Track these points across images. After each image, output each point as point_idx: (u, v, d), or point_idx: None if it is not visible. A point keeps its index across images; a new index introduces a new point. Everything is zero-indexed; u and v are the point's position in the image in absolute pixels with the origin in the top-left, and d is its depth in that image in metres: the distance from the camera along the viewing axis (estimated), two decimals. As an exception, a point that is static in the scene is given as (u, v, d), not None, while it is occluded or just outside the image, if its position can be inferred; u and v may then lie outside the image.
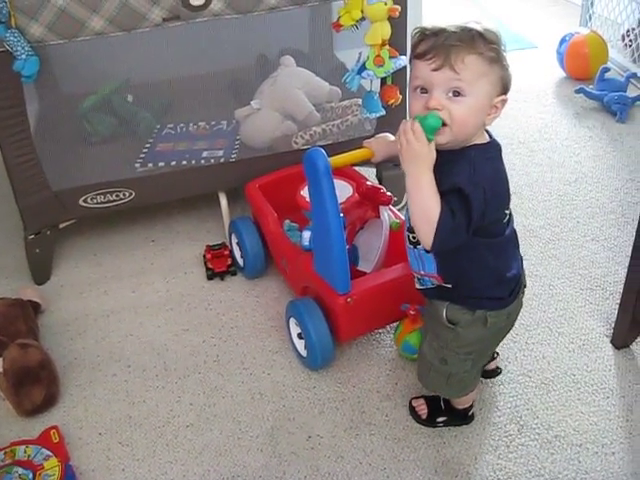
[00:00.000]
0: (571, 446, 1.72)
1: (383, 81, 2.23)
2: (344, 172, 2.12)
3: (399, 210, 2.13)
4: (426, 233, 1.36)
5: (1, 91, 2.02)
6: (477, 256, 1.46)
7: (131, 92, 2.57)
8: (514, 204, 2.55)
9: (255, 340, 2.06)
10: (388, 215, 2.00)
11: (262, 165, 2.33)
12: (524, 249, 2.30)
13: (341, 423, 1.79)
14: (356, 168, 2.24)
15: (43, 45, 2.00)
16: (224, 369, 1.97)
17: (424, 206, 1.36)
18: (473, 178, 1.34)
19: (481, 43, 1.33)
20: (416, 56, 1.38)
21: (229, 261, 2.30)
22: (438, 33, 1.35)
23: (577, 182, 2.72)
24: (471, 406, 1.77)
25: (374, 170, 2.50)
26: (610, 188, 2.68)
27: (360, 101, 2.36)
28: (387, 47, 2.12)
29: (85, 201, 2.27)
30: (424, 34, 1.37)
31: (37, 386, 1.85)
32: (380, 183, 2.42)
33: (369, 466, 1.70)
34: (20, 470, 1.68)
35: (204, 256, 2.34)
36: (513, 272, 1.54)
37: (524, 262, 2.23)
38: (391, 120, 2.28)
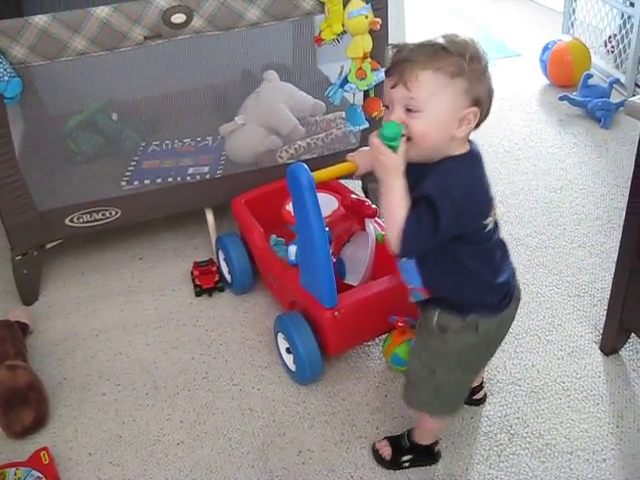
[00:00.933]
0: (562, 454, 1.72)
1: (366, 94, 2.25)
2: (329, 185, 2.13)
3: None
4: (393, 237, 1.37)
5: (-16, 114, 2.03)
6: (460, 263, 1.45)
7: (116, 110, 2.57)
8: (500, 212, 2.57)
9: (244, 355, 2.06)
10: (374, 227, 2.00)
11: (248, 180, 2.34)
12: (511, 258, 2.33)
13: (332, 437, 1.79)
14: (342, 181, 2.24)
15: (26, 66, 2.00)
16: (214, 386, 1.97)
17: (392, 211, 1.37)
18: (442, 187, 1.34)
19: (442, 58, 1.33)
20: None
21: (217, 277, 2.30)
22: (401, 49, 1.36)
23: (563, 189, 2.74)
24: (436, 442, 1.74)
25: (360, 182, 2.51)
26: (596, 194, 2.69)
27: (344, 114, 2.37)
28: (369, 60, 2.14)
29: (71, 220, 2.26)
30: (393, 50, 1.38)
31: (26, 408, 1.85)
32: (366, 195, 2.43)
33: (360, 479, 1.70)
34: (10, 493, 1.68)
35: (192, 273, 2.34)
36: (502, 280, 1.52)
37: (511, 271, 2.25)
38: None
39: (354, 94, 2.21)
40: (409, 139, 1.36)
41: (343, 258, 2.01)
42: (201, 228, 2.51)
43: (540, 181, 2.79)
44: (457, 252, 1.43)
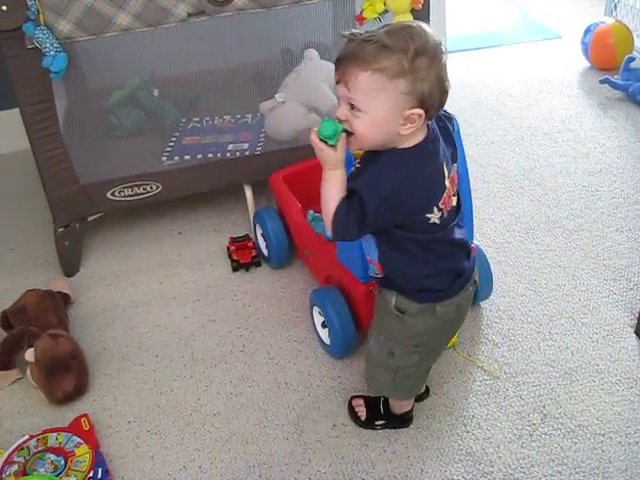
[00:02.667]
0: (594, 435, 1.73)
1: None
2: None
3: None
4: (326, 223, 1.43)
5: (30, 87, 2.06)
6: (403, 247, 1.45)
7: (157, 86, 2.59)
8: (538, 194, 2.57)
9: (281, 330, 2.09)
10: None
11: (287, 157, 2.36)
12: (548, 240, 2.34)
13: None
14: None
15: (71, 41, 2.03)
16: (250, 359, 2.00)
17: (325, 199, 1.42)
18: (371, 183, 1.37)
19: (383, 57, 1.29)
20: None
21: (253, 252, 2.33)
22: (350, 42, 1.34)
23: (601, 173, 2.72)
24: (410, 410, 1.77)
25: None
26: (635, 179, 2.67)
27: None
28: (411, 40, 2.13)
29: (113, 194, 2.31)
30: (344, 41, 1.36)
31: (68, 375, 1.89)
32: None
33: (393, 454, 1.72)
34: (52, 457, 1.72)
35: (228, 248, 2.37)
36: (451, 265, 1.52)
37: (549, 253, 2.26)
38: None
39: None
40: (351, 134, 1.37)
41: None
42: (239, 204, 2.54)
43: (579, 164, 2.78)
44: (399, 237, 1.44)
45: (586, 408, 1.80)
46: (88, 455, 1.72)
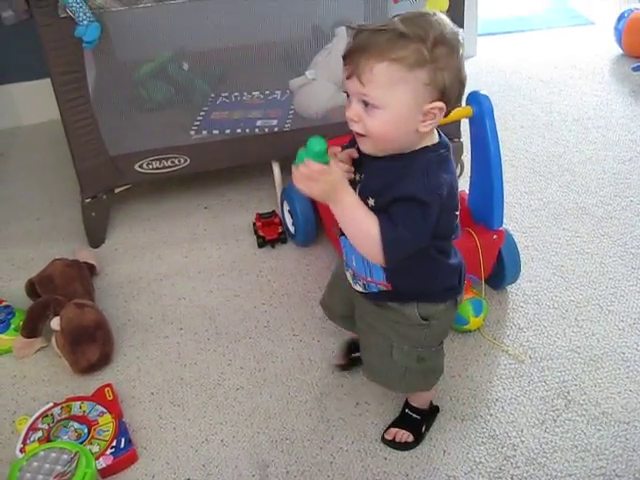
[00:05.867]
0: (618, 423, 1.71)
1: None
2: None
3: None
4: (374, 252, 1.29)
5: (63, 56, 2.06)
6: (428, 258, 1.38)
7: (187, 60, 2.59)
8: (567, 180, 2.56)
9: (305, 307, 2.08)
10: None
11: (316, 134, 2.34)
12: (576, 226, 2.32)
13: (388, 391, 1.80)
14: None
15: (104, 11, 2.03)
16: (274, 335, 2.00)
17: (361, 227, 1.28)
18: (428, 186, 1.25)
19: (400, 46, 1.19)
20: None
21: (280, 229, 2.32)
22: (358, 34, 1.24)
23: (632, 161, 2.69)
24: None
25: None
26: (665, 168, 2.65)
27: (415, 73, 2.35)
28: (444, 19, 2.11)
29: (141, 166, 2.31)
30: (350, 33, 1.26)
31: (93, 345, 1.90)
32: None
33: (415, 434, 1.72)
34: (76, 425, 1.73)
35: (254, 224, 2.36)
36: (460, 256, 1.50)
37: (577, 239, 2.25)
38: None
39: (427, 53, 2.19)
40: (363, 135, 1.28)
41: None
42: (266, 180, 2.53)
43: (609, 152, 2.75)
44: (428, 249, 1.37)
45: (611, 395, 1.78)
46: (111, 424, 1.73)
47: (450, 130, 2.40)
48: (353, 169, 1.37)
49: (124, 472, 1.67)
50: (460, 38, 1.26)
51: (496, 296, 2.08)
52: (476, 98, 1.83)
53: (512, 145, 2.79)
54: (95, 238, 2.39)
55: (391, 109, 1.23)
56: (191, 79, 2.58)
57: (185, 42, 2.55)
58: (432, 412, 1.75)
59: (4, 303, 2.07)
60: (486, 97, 1.81)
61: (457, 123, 2.42)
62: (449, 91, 1.25)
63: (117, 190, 2.38)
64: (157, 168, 2.32)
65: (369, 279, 1.45)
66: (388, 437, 1.70)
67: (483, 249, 1.90)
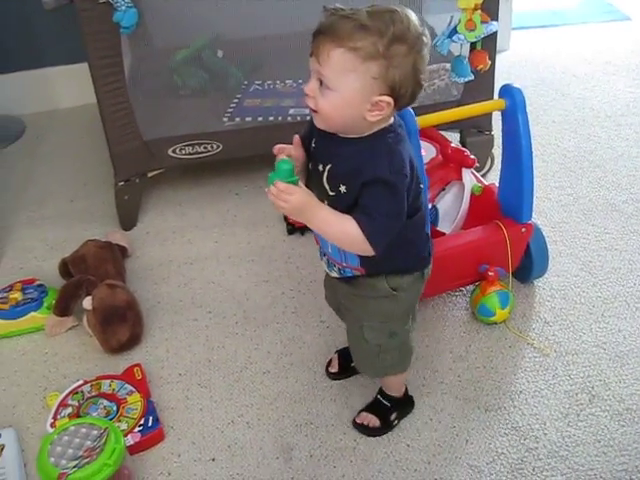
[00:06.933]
0: (643, 420, 1.72)
1: (472, 46, 2.23)
2: (429, 134, 2.13)
3: (482, 176, 2.14)
4: (363, 248, 1.34)
5: (101, 41, 2.09)
6: (402, 237, 1.40)
7: (221, 48, 2.61)
8: (598, 177, 2.54)
9: (333, 295, 2.10)
10: (470, 178, 2.01)
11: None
12: (605, 222, 2.32)
13: (413, 380, 1.83)
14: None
15: (141, -2, 2.06)
16: (302, 321, 2.02)
17: (341, 232, 1.34)
18: (392, 167, 1.31)
19: (359, 37, 1.23)
20: None
21: (310, 217, 2.34)
22: (329, 15, 1.27)
23: (664, 159, 2.68)
24: (406, 388, 1.77)
25: (457, 135, 2.51)
26: (698, 167, 2.63)
27: (447, 66, 2.36)
28: (479, 12, 2.11)
29: (174, 151, 2.33)
30: (325, 14, 1.29)
31: (123, 325, 1.94)
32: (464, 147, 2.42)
33: (439, 423, 1.73)
34: (105, 402, 1.77)
35: (284, 211, 2.38)
36: (427, 230, 1.55)
37: (606, 235, 2.24)
38: (479, 86, 2.28)
39: (461, 45, 2.19)
40: (316, 111, 1.32)
41: (437, 206, 2.03)
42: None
43: (641, 149, 2.74)
44: (405, 227, 1.39)
45: (635, 392, 1.79)
46: (140, 403, 1.76)
47: (481, 123, 2.42)
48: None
49: (151, 450, 1.70)
50: (424, 39, 1.29)
51: (523, 289, 2.09)
52: (509, 91, 1.83)
53: (543, 140, 2.78)
54: (127, 221, 2.42)
55: (340, 93, 1.27)
56: (225, 66, 2.61)
57: (220, 30, 2.57)
58: (405, 402, 1.77)
59: (37, 282, 2.12)
60: (519, 90, 1.82)
61: (489, 116, 2.43)
62: (399, 88, 1.28)
63: (150, 174, 2.41)
64: (190, 153, 2.34)
65: (344, 264, 1.49)
66: (358, 420, 1.73)
67: (511, 242, 1.91)
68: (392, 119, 1.37)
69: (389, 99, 1.28)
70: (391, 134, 1.35)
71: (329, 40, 1.25)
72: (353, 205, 1.34)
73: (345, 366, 1.85)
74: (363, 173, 1.31)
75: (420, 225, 1.49)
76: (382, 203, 1.32)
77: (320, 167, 1.40)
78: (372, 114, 1.30)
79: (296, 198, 1.30)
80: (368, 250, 1.34)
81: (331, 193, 1.37)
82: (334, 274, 1.54)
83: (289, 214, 1.38)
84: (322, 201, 1.38)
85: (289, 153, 1.40)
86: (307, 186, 1.38)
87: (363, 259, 1.43)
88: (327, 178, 1.38)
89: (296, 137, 1.44)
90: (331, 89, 1.28)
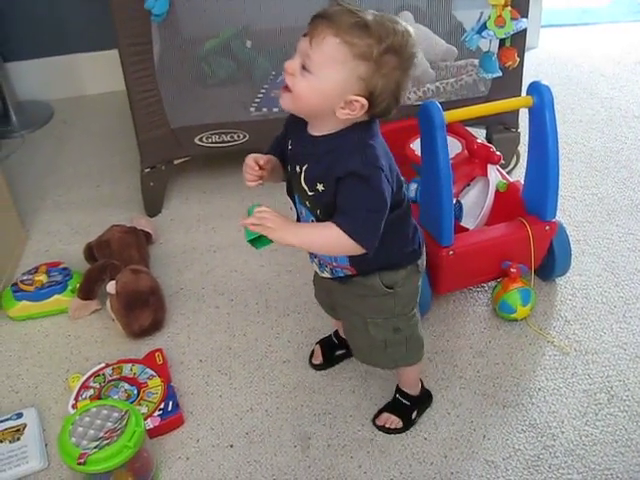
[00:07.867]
0: (661, 422, 1.72)
1: (501, 43, 2.23)
2: (455, 129, 2.13)
3: (507, 173, 2.14)
4: (352, 249, 1.34)
5: (132, 28, 2.11)
6: (389, 232, 1.38)
7: (250, 38, 2.61)
8: (623, 177, 2.53)
9: (354, 287, 2.11)
10: (495, 174, 2.01)
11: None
12: (630, 223, 2.31)
13: (433, 374, 1.84)
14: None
15: (172, -14, 2.07)
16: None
17: (326, 243, 1.36)
18: (366, 160, 1.30)
19: (357, 34, 1.24)
20: None
21: (333, 209, 2.34)
22: (335, 5, 1.27)
23: (691, 161, 2.66)
24: (422, 382, 1.77)
25: (483, 132, 2.50)
26: None
27: (475, 61, 2.36)
28: (509, 8, 2.11)
29: (200, 140, 2.35)
30: (331, 3, 1.29)
31: (146, 310, 1.95)
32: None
33: (457, 417, 1.74)
34: (126, 385, 1.79)
35: (308, 203, 2.39)
36: (414, 223, 1.53)
37: (630, 236, 2.24)
38: (506, 83, 2.28)
39: (490, 41, 2.19)
40: (289, 91, 1.31)
41: (462, 201, 2.03)
42: (322, 161, 2.55)
43: (668, 150, 2.72)
44: (388, 222, 1.38)
45: (655, 393, 1.79)
46: (160, 387, 1.78)
47: (508, 120, 2.41)
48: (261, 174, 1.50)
49: (170, 434, 1.72)
50: (415, 62, 1.31)
51: (545, 287, 2.08)
52: (537, 88, 1.82)
53: (569, 139, 2.77)
54: (152, 207, 2.44)
55: (319, 80, 1.27)
56: (253, 57, 2.61)
57: (249, 20, 2.57)
58: (424, 398, 1.77)
59: (62, 265, 2.14)
60: (547, 87, 1.81)
61: (515, 113, 2.42)
62: (378, 96, 1.29)
63: (176, 162, 2.42)
64: (216, 142, 2.36)
65: (335, 264, 1.49)
66: (379, 422, 1.74)
67: (535, 239, 1.91)
68: (365, 116, 1.35)
69: (364, 101, 1.28)
70: (364, 127, 1.35)
71: (328, 26, 1.25)
72: (333, 203, 1.34)
73: (329, 357, 1.87)
74: (337, 169, 1.31)
75: (405, 218, 1.49)
76: (359, 198, 1.31)
77: (297, 168, 1.40)
78: (343, 111, 1.30)
79: (278, 215, 1.35)
80: (358, 249, 1.33)
81: (310, 193, 1.38)
82: (326, 275, 1.55)
83: (275, 233, 1.36)
84: (304, 203, 1.41)
85: (264, 161, 1.48)
86: (288, 189, 1.45)
87: (352, 258, 1.44)
88: (304, 179, 1.38)
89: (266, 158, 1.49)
90: (312, 73, 1.27)
